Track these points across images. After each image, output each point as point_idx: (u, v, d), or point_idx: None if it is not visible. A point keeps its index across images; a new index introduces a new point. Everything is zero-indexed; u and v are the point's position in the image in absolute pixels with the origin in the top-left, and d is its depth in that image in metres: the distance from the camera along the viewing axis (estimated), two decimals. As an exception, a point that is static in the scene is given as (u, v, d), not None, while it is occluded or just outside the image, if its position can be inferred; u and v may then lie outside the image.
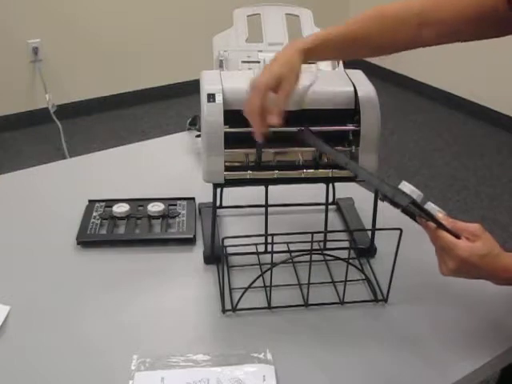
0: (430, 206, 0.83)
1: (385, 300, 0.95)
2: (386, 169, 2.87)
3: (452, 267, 0.82)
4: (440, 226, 0.81)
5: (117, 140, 3.05)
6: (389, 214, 1.16)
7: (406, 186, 0.82)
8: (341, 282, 0.94)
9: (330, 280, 0.99)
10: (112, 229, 1.11)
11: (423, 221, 0.82)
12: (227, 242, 0.89)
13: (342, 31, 0.92)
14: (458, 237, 0.81)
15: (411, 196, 0.81)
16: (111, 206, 1.15)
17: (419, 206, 0.82)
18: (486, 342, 0.87)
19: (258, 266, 1.01)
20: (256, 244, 1.02)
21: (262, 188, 1.01)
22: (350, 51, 0.95)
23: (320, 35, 0.92)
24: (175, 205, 1.18)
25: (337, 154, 0.91)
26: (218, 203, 1.09)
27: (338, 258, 0.94)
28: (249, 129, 0.89)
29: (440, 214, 0.83)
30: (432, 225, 0.82)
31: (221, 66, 1.03)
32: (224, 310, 0.92)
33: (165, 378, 0.79)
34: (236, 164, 0.96)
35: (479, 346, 0.87)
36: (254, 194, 1.06)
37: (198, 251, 1.06)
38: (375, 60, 3.80)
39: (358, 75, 1.02)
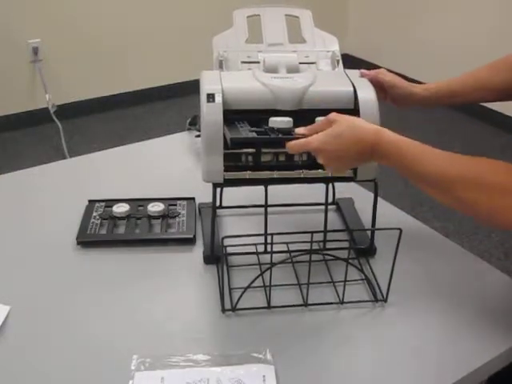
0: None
1: (384, 300, 0.95)
2: (385, 169, 2.87)
3: (321, 161, 0.89)
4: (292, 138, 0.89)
5: (117, 140, 3.05)
6: (389, 213, 1.17)
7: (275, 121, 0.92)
8: (340, 281, 0.94)
9: (330, 280, 0.99)
10: (112, 229, 1.11)
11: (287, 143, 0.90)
12: (227, 242, 0.89)
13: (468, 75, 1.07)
14: None
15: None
16: (111, 206, 1.15)
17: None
18: (482, 344, 0.87)
19: (258, 266, 1.01)
20: (256, 244, 1.02)
21: (262, 188, 1.01)
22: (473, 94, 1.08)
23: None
24: (175, 205, 1.18)
25: None
26: (217, 203, 1.09)
27: (337, 258, 0.94)
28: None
29: (299, 130, 0.91)
30: (288, 143, 0.90)
31: (220, 66, 1.03)
32: (224, 310, 0.92)
33: (165, 378, 0.79)
34: (235, 164, 0.97)
35: (476, 348, 0.87)
36: (254, 194, 1.06)
37: (197, 251, 1.06)
38: (374, 60, 3.81)
39: (358, 75, 1.02)
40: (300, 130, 0.91)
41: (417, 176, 0.85)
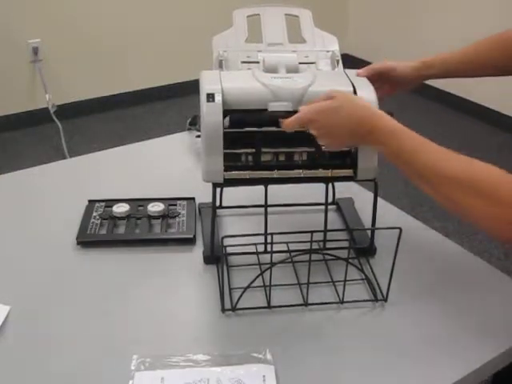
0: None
1: (384, 299, 0.95)
2: (385, 169, 2.87)
3: (313, 132, 0.89)
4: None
5: (117, 140, 3.04)
6: (389, 213, 1.17)
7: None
8: (340, 281, 0.94)
9: (330, 280, 0.99)
10: (112, 229, 1.11)
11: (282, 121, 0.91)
12: (227, 242, 0.89)
13: (465, 51, 1.08)
14: None
15: None
16: (111, 206, 1.15)
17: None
18: (483, 344, 0.87)
19: (258, 266, 1.01)
20: (256, 244, 1.02)
21: (262, 188, 1.01)
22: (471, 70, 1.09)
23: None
24: (175, 205, 1.18)
25: None
26: (217, 203, 1.09)
27: (337, 258, 0.94)
28: (248, 129, 0.89)
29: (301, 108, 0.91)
30: (284, 121, 0.90)
31: (220, 66, 1.03)
32: (224, 310, 0.92)
33: (165, 378, 0.79)
34: (235, 164, 0.97)
35: (477, 347, 0.86)
36: (254, 193, 1.06)
37: (197, 251, 1.06)
38: (374, 60, 3.81)
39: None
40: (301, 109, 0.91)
41: (410, 167, 0.83)
